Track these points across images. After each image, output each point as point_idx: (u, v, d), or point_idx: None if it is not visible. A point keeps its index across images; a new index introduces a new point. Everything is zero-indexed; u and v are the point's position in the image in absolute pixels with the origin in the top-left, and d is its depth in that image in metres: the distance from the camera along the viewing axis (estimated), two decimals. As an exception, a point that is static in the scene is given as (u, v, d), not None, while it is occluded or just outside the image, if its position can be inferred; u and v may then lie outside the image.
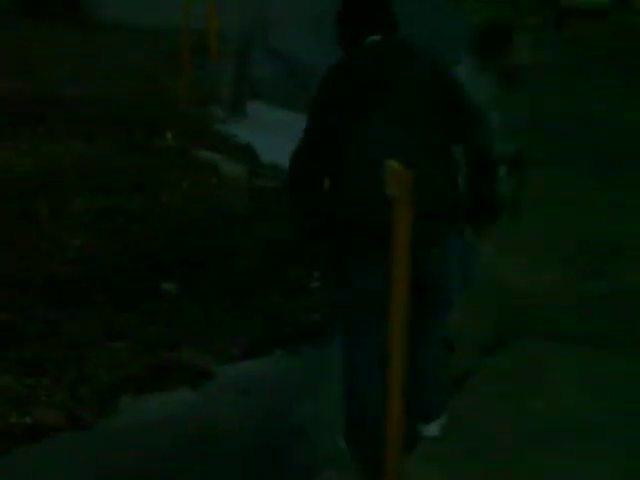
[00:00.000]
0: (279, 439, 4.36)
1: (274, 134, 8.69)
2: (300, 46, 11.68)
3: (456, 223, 3.51)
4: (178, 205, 7.23)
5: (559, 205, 6.73)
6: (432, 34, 8.05)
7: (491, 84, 4.53)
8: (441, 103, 3.43)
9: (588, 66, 11.60)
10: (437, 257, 3.44)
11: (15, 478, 4.08)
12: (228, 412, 4.65)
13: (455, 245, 3.52)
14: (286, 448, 4.27)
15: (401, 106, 3.41)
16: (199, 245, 6.50)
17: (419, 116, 3.41)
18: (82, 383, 4.76)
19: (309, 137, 3.52)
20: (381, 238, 3.18)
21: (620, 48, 12.56)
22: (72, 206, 6.87)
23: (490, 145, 3.53)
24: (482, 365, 4.39)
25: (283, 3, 11.73)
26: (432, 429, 3.71)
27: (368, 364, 3.46)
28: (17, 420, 4.44)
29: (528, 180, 5.16)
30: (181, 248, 6.46)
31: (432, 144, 3.43)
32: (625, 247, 5.87)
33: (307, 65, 10.50)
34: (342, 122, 3.43)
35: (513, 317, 4.90)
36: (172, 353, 5.18)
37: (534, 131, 7.87)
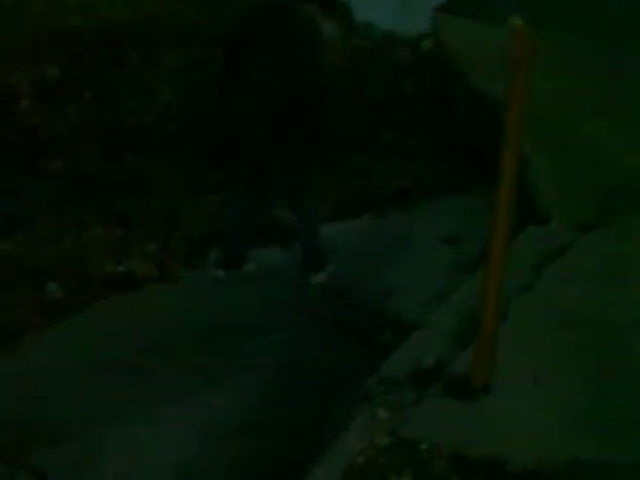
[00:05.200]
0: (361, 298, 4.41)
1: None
2: None
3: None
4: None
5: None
6: None
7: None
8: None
9: None
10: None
11: (112, 322, 4.18)
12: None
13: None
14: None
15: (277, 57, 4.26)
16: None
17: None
18: (172, 235, 4.81)
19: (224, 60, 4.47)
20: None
21: None
22: (164, 57, 6.79)
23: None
24: (579, 241, 4.25)
25: None
26: (320, 277, 4.60)
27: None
28: (112, 269, 4.52)
29: None
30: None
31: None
32: None
33: None
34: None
35: (620, 194, 4.70)
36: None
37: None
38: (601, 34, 6.60)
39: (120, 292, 4.41)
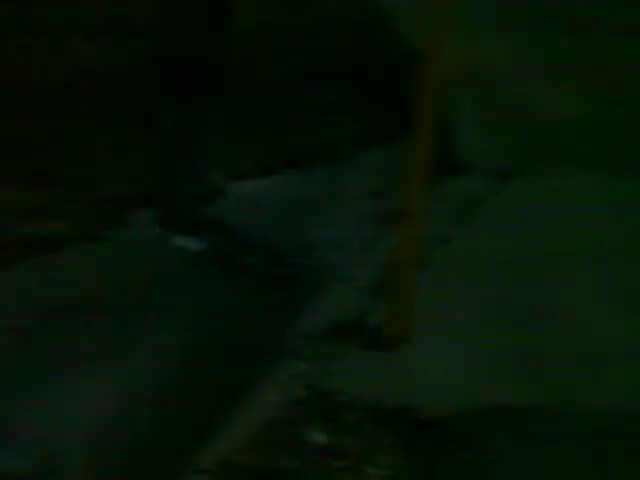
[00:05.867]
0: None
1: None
2: None
3: None
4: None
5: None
6: None
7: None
8: None
9: None
10: None
11: (31, 284, 4.10)
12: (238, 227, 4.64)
13: None
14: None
15: None
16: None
17: None
18: (94, 195, 4.72)
19: None
20: None
21: None
22: (86, 13, 6.63)
23: None
24: (499, 190, 4.29)
25: None
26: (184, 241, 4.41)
27: None
28: (31, 231, 4.42)
29: None
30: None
31: None
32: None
33: None
34: None
35: (533, 143, 4.75)
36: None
37: None
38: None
39: (40, 253, 4.31)
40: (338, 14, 6.90)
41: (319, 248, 4.35)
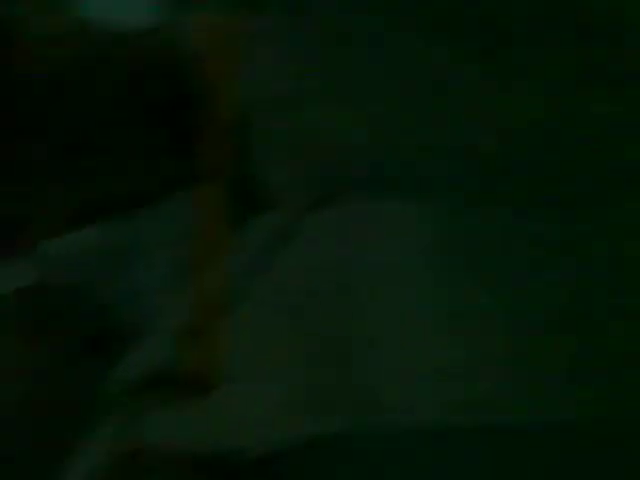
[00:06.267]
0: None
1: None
2: None
3: None
4: None
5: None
6: None
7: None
8: None
9: None
10: None
11: None
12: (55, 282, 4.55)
13: None
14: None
15: None
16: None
17: None
18: None
19: None
20: None
21: None
22: None
23: None
24: (305, 225, 4.39)
25: None
26: None
27: None
28: None
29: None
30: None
31: None
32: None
33: None
34: None
35: (338, 171, 4.86)
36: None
37: None
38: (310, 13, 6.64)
39: None
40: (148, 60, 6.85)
41: (131, 300, 4.33)
